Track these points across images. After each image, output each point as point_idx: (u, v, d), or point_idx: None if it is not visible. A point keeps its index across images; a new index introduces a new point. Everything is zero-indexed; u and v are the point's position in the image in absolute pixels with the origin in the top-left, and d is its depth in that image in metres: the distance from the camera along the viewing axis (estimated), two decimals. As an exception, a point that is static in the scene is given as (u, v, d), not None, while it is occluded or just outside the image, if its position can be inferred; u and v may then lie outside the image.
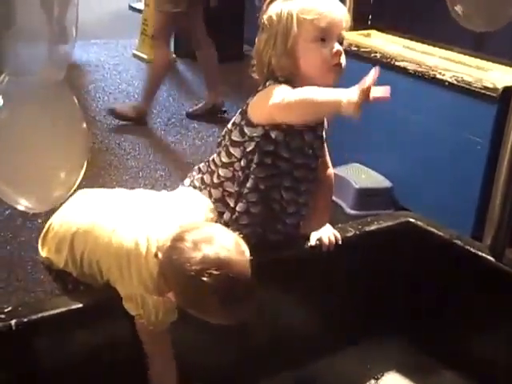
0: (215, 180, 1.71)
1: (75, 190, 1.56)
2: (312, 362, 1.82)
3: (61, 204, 1.63)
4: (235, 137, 1.68)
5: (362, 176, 3.34)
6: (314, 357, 1.81)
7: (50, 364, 1.45)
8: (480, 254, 1.84)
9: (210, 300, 1.33)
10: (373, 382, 1.85)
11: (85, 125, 1.39)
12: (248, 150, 1.65)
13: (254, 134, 1.65)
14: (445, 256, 1.92)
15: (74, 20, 1.46)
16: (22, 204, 1.38)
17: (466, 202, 2.96)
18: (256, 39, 1.72)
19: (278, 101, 1.55)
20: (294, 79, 1.63)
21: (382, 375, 1.88)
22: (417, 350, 1.96)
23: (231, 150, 1.69)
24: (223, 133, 1.75)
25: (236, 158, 1.68)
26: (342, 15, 1.67)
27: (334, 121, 3.87)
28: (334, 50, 1.63)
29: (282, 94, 1.56)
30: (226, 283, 1.32)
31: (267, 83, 1.64)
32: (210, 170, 1.74)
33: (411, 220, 1.98)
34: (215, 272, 1.31)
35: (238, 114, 1.71)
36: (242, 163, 1.67)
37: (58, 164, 1.36)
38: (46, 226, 1.69)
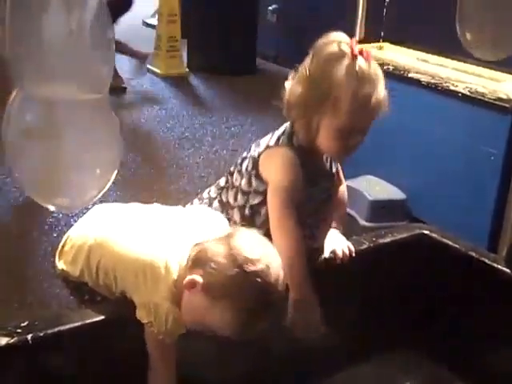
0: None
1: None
2: (326, 377, 1.81)
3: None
4: (244, 184, 1.70)
5: (375, 188, 3.34)
6: (328, 371, 1.80)
7: (66, 378, 1.45)
8: (495, 265, 1.83)
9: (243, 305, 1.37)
10: (389, 393, 1.84)
11: (119, 133, 1.43)
12: (254, 202, 1.68)
13: (261, 189, 1.66)
14: (460, 268, 1.91)
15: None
16: (58, 203, 1.41)
17: (481, 213, 2.94)
18: (292, 81, 1.66)
19: (276, 208, 1.58)
20: (307, 144, 1.64)
21: (399, 387, 1.87)
22: (432, 362, 1.94)
23: (238, 196, 1.71)
24: (232, 168, 1.76)
25: (241, 204, 1.71)
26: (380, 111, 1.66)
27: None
28: (355, 143, 1.64)
29: (281, 203, 1.57)
30: (263, 289, 1.37)
31: (281, 139, 1.65)
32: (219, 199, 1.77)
33: (426, 232, 1.97)
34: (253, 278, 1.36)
35: (250, 156, 1.70)
36: (247, 212, 1.69)
37: (94, 165, 1.39)
38: (63, 239, 1.70)
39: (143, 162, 4.08)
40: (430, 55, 3.61)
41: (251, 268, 1.37)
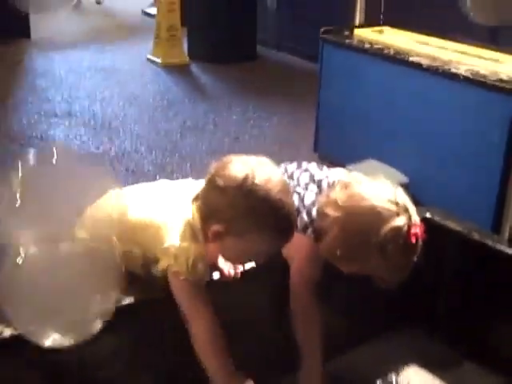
0: None
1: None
2: (332, 358, 1.82)
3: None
4: None
5: (378, 172, 3.31)
6: (333, 353, 1.81)
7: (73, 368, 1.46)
8: (498, 247, 1.83)
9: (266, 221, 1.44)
10: (393, 376, 1.85)
11: (120, 262, 1.41)
12: None
13: None
14: (463, 249, 1.91)
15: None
16: (53, 338, 1.36)
17: (485, 195, 2.94)
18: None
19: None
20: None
21: (403, 369, 1.87)
22: (437, 343, 1.95)
23: None
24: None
25: None
26: None
27: (347, 118, 3.89)
28: None
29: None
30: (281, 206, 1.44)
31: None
32: None
33: (428, 215, 1.97)
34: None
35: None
36: None
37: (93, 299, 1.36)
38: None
39: (146, 151, 4.08)
40: (430, 38, 3.59)
41: (253, 188, 1.43)
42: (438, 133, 3.18)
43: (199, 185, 1.57)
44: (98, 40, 6.97)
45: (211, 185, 1.49)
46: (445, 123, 3.14)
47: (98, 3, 9.09)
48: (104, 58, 6.25)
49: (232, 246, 1.50)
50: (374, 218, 1.55)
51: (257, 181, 1.44)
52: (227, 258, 1.59)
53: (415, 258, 1.60)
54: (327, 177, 1.75)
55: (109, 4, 9.14)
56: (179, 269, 1.46)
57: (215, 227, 1.47)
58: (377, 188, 1.61)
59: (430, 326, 1.96)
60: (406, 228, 1.55)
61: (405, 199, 1.60)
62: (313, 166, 1.80)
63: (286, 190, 1.50)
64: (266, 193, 1.44)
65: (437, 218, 1.97)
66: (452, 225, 1.94)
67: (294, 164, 1.82)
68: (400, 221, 1.55)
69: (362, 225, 1.56)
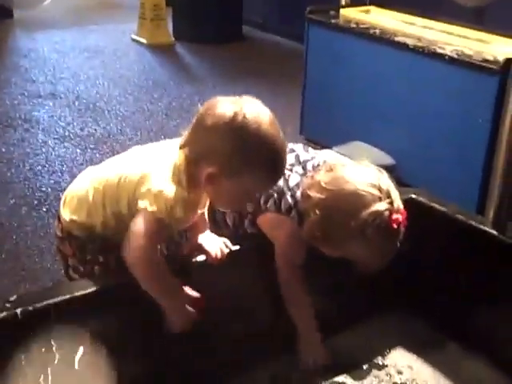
0: None
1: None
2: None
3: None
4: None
5: (364, 154, 3.33)
6: (320, 335, 1.82)
7: (56, 352, 1.45)
8: (482, 227, 1.84)
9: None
10: (380, 358, 1.86)
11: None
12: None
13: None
14: (448, 231, 1.92)
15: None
16: None
17: (470, 176, 2.95)
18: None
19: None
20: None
21: (389, 352, 1.89)
22: (422, 324, 1.97)
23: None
24: None
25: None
26: None
27: (333, 100, 3.87)
28: None
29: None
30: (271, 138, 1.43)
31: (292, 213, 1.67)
32: None
33: (413, 196, 1.97)
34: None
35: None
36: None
37: None
38: (63, 197, 1.69)
39: (131, 133, 4.05)
40: (416, 18, 3.58)
41: (243, 123, 1.41)
42: (424, 113, 3.18)
43: (179, 140, 1.55)
44: (81, 20, 6.89)
45: (199, 126, 1.47)
46: (431, 104, 3.14)
47: None
48: (88, 38, 6.18)
49: (225, 189, 1.47)
50: (355, 201, 1.56)
51: (247, 116, 1.42)
52: (219, 205, 1.58)
53: (398, 244, 1.61)
54: (313, 158, 1.75)
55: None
56: (157, 209, 1.43)
57: (208, 170, 1.44)
58: (361, 172, 1.62)
59: (415, 308, 1.97)
60: (387, 213, 1.56)
61: (388, 184, 1.60)
62: (299, 147, 1.80)
63: (275, 125, 1.48)
64: (257, 127, 1.42)
65: (422, 199, 1.97)
66: (437, 206, 1.94)
67: None
68: (381, 206, 1.56)
69: (343, 207, 1.56)
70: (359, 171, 1.62)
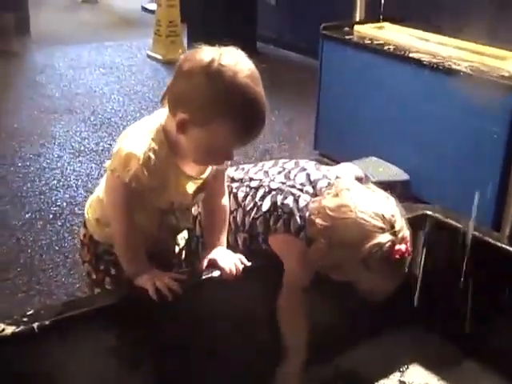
0: None
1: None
2: (335, 356, 1.82)
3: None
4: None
5: (379, 169, 3.33)
6: (336, 351, 1.81)
7: (72, 366, 1.46)
8: (499, 244, 1.83)
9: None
10: (398, 374, 1.85)
11: None
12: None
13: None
14: (463, 247, 1.91)
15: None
16: None
17: (485, 192, 2.93)
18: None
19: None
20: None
21: (407, 367, 1.87)
22: (438, 341, 1.96)
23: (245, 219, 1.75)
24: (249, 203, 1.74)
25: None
26: None
27: (348, 115, 3.87)
28: None
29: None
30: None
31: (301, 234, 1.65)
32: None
33: (429, 212, 1.97)
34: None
35: (261, 220, 1.70)
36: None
37: None
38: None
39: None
40: (430, 34, 3.58)
41: (219, 70, 1.37)
42: (438, 129, 3.17)
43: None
44: (97, 36, 6.95)
45: (177, 72, 1.45)
46: (445, 119, 3.13)
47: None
48: (103, 54, 6.24)
49: (196, 138, 1.43)
50: (358, 232, 1.54)
51: (223, 63, 1.39)
52: (192, 157, 1.50)
53: (404, 272, 1.59)
54: (324, 176, 1.72)
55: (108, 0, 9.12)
56: (118, 169, 1.45)
57: (180, 116, 1.42)
58: (367, 199, 1.60)
59: (430, 324, 1.96)
60: (389, 244, 1.54)
61: (393, 212, 1.58)
62: (310, 166, 1.78)
63: (255, 77, 1.43)
64: (233, 75, 1.38)
65: (437, 215, 1.97)
66: (452, 222, 1.93)
67: (292, 162, 1.80)
68: (384, 237, 1.54)
69: (346, 238, 1.55)
70: (365, 198, 1.60)
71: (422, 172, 3.23)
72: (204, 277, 1.62)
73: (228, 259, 1.65)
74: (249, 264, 1.66)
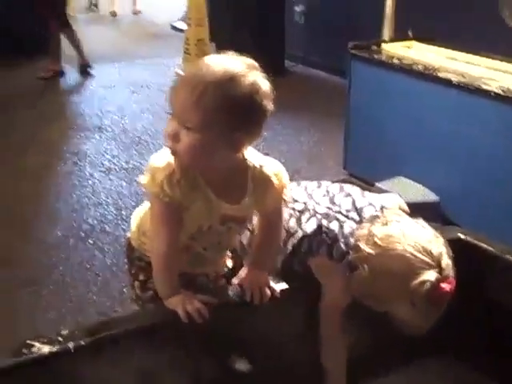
0: None
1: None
2: None
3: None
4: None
5: (408, 190, 3.32)
6: (361, 382, 1.80)
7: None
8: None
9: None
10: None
11: None
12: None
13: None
14: (496, 271, 1.89)
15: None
16: None
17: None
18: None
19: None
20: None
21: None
22: (467, 370, 1.93)
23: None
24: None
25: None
26: None
27: (377, 135, 3.87)
28: None
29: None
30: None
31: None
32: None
33: (461, 235, 1.95)
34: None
35: (305, 242, 1.69)
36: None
37: None
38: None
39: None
40: (459, 53, 3.58)
41: (209, 71, 1.46)
42: (468, 150, 3.15)
43: None
44: (127, 54, 7.06)
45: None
46: (475, 140, 3.11)
47: (114, 15, 9.26)
48: (134, 72, 6.33)
49: (193, 142, 1.44)
50: (405, 265, 1.53)
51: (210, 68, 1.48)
52: (187, 160, 1.47)
53: (442, 310, 1.58)
54: (370, 204, 1.70)
55: (138, 18, 9.25)
56: (148, 184, 1.47)
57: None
58: (416, 233, 1.58)
59: (461, 353, 1.93)
60: (435, 283, 1.52)
61: (441, 251, 1.56)
62: (355, 191, 1.76)
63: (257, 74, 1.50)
64: (227, 74, 1.47)
65: (469, 238, 1.95)
66: (485, 246, 1.92)
67: (337, 186, 1.78)
68: (430, 275, 1.52)
69: (391, 270, 1.53)
70: (415, 232, 1.58)
71: (453, 193, 3.21)
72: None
73: (255, 283, 1.64)
74: (278, 291, 1.65)
